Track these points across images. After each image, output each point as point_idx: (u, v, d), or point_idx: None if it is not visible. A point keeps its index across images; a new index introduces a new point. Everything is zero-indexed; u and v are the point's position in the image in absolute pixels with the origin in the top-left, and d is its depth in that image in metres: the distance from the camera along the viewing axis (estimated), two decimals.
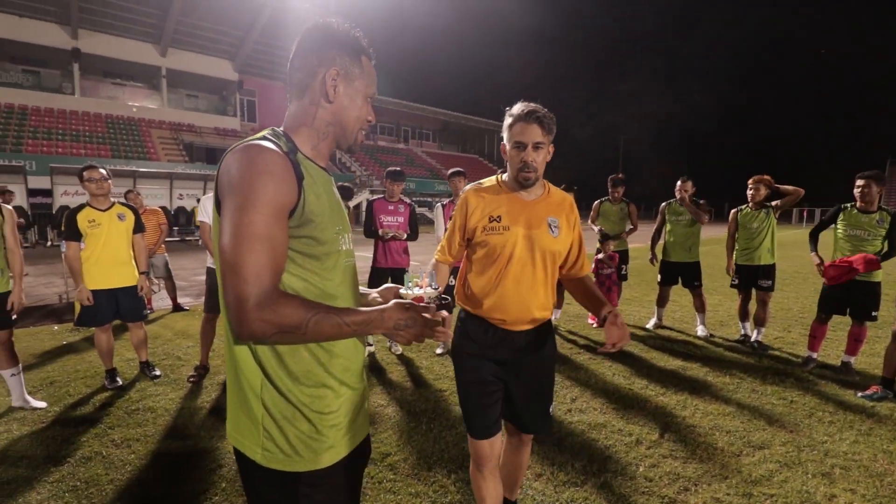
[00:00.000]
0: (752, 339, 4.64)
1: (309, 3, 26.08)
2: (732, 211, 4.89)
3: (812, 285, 8.00)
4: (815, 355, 4.07)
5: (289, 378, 0.97)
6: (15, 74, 23.42)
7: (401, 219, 4.42)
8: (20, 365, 3.24)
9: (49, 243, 15.68)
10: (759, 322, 4.61)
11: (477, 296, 1.73)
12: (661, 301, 5.40)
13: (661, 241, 5.36)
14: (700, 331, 5.11)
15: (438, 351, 4.44)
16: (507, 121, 1.66)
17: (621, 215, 5.58)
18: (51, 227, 16.05)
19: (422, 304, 1.00)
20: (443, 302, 1.07)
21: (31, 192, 16.47)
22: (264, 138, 0.96)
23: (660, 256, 5.35)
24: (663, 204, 5.32)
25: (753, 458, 2.59)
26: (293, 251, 0.95)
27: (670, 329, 5.32)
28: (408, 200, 4.57)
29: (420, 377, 3.84)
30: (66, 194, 16.45)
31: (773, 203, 4.56)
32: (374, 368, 4.05)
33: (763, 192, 4.59)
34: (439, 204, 4.58)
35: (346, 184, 4.47)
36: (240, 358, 0.97)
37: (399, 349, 4.50)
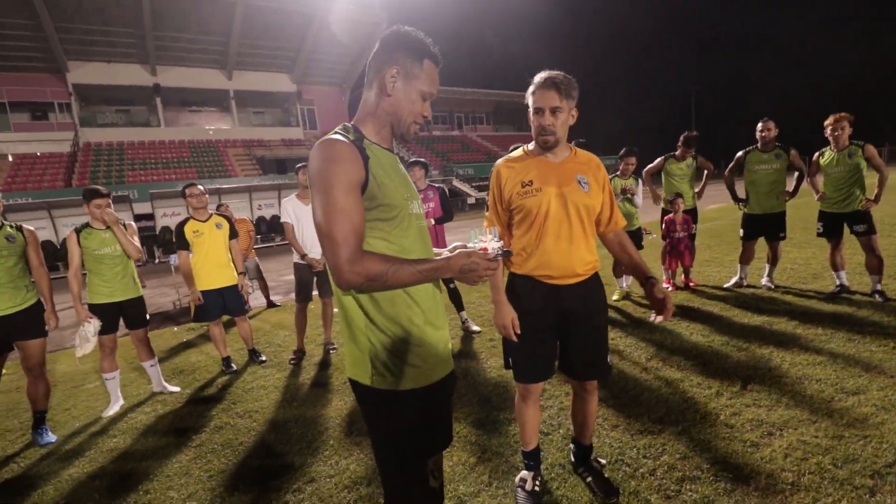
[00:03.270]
0: (872, 290, 4.24)
1: (354, 4, 26.79)
2: (815, 155, 4.51)
3: None
4: None
5: (385, 319, 1.20)
6: (110, 115, 26.55)
7: (432, 204, 4.52)
8: (156, 357, 3.86)
9: (157, 260, 17.74)
10: (872, 269, 4.23)
11: (521, 256, 1.86)
12: (746, 258, 5.09)
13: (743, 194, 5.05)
14: (765, 281, 4.98)
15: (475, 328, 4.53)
16: (529, 89, 1.79)
17: (687, 171, 5.33)
18: (156, 245, 18.16)
19: (486, 253, 1.19)
20: (504, 252, 1.24)
21: (136, 217, 18.67)
22: (335, 133, 1.21)
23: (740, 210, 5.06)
24: (741, 152, 4.96)
25: (846, 403, 2.50)
26: (374, 220, 1.19)
27: (755, 288, 5.04)
28: (437, 185, 4.67)
29: None
30: (165, 216, 18.51)
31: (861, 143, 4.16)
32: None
33: (848, 131, 4.21)
34: None
35: None
36: (348, 306, 1.23)
37: (477, 328, 4.64)
